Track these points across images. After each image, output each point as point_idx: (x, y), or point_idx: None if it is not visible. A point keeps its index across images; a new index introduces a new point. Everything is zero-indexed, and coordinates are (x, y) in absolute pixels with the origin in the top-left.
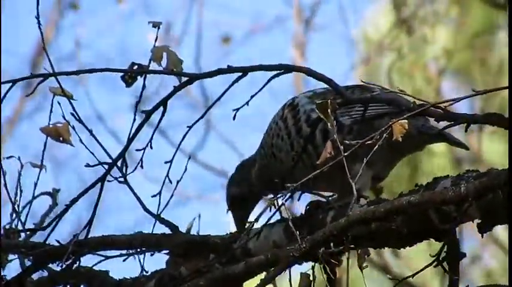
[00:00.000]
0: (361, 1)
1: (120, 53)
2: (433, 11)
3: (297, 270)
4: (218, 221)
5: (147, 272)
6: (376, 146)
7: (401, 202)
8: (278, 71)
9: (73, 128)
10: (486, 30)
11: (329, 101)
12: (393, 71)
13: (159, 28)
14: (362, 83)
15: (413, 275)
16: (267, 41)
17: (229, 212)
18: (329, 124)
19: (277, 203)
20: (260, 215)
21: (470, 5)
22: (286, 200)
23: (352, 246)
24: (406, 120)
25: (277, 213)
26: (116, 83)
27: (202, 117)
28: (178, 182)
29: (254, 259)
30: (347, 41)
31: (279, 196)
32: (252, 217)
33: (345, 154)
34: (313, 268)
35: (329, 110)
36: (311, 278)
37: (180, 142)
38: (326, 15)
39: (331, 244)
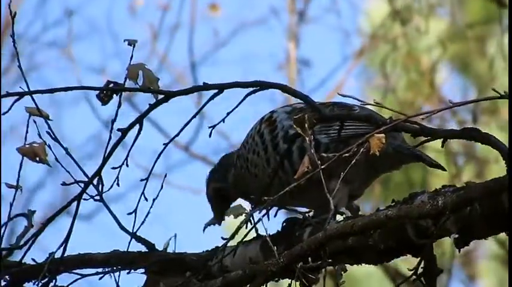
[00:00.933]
0: None
1: (108, 20)
2: (428, 2)
3: None
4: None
5: None
6: (354, 161)
7: (378, 216)
8: (254, 88)
9: (49, 146)
10: (482, 20)
11: (306, 116)
12: (387, 63)
13: (134, 46)
14: (339, 101)
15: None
16: (260, 33)
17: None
18: (306, 139)
19: (253, 220)
20: (236, 231)
21: None
22: (263, 216)
23: (330, 260)
24: (383, 135)
25: (253, 230)
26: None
27: (177, 135)
28: (154, 200)
29: (232, 274)
30: (341, 32)
31: (254, 211)
32: (227, 234)
33: (322, 167)
34: (289, 285)
35: (306, 125)
36: None
37: (156, 160)
38: (320, 7)
39: (309, 259)
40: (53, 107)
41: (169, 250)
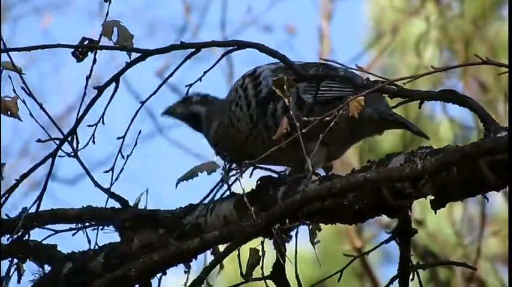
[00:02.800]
0: None
1: None
2: None
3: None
4: None
5: (98, 246)
6: (333, 124)
7: (357, 178)
8: (231, 47)
9: (23, 102)
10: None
11: (285, 77)
12: (421, 41)
13: (110, 2)
14: (327, 63)
15: (369, 252)
16: (293, 8)
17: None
18: (286, 101)
19: (228, 178)
20: (212, 191)
21: None
22: (241, 175)
23: (307, 222)
24: (362, 98)
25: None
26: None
27: (154, 93)
28: (128, 156)
29: (209, 235)
30: (375, 8)
31: (231, 169)
32: (203, 194)
33: (302, 131)
34: (262, 243)
35: (285, 87)
36: (260, 253)
37: (133, 118)
38: None
39: (287, 220)
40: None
41: (141, 205)
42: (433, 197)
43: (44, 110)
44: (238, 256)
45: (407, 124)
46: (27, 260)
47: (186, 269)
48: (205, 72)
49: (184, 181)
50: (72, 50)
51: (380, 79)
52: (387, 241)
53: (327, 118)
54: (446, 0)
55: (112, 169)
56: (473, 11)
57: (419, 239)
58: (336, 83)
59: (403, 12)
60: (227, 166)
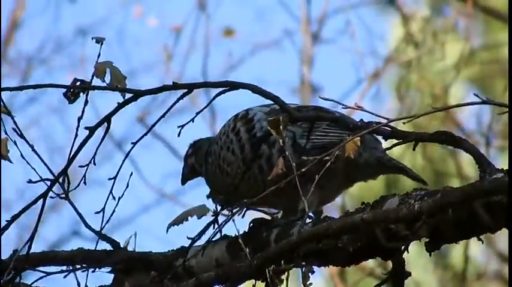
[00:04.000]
0: (369, 15)
1: (119, 39)
2: (442, 26)
3: None
4: None
5: None
6: (331, 166)
7: (354, 219)
8: (224, 88)
9: (15, 143)
10: (491, 43)
11: (281, 117)
12: (402, 86)
13: (102, 44)
14: (320, 106)
15: None
16: (274, 55)
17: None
18: (280, 141)
19: (218, 221)
20: (203, 232)
21: (476, 18)
22: (233, 215)
23: (303, 263)
24: (358, 138)
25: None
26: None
27: (146, 134)
28: (119, 198)
29: (205, 275)
30: (355, 55)
31: (222, 211)
32: (193, 234)
33: (298, 172)
34: (254, 286)
35: (281, 127)
36: None
37: (124, 159)
38: (334, 29)
39: (282, 262)
40: None
41: (130, 248)
42: (427, 240)
43: (35, 151)
44: None
45: (405, 169)
46: None
47: None
48: (197, 113)
49: (175, 226)
50: (65, 90)
51: (373, 121)
52: (381, 284)
53: (326, 158)
54: (427, 45)
55: (103, 210)
56: (454, 54)
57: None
58: (332, 129)
59: (383, 58)
60: (219, 208)
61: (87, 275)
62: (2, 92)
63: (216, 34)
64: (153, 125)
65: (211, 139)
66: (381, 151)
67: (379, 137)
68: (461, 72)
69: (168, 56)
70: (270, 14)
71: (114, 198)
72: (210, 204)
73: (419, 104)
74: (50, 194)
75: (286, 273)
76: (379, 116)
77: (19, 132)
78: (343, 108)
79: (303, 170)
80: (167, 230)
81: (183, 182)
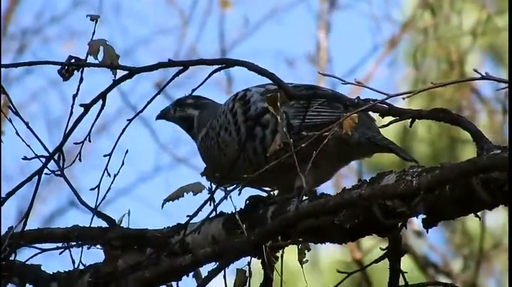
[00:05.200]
0: None
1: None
2: None
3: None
4: None
5: (83, 265)
6: (327, 142)
7: (351, 195)
8: (219, 65)
9: (10, 121)
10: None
11: (279, 95)
12: (418, 53)
13: (96, 21)
14: (314, 85)
15: (362, 269)
16: (290, 20)
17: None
18: (278, 118)
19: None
20: (200, 209)
21: None
22: (229, 193)
23: (300, 239)
24: (356, 115)
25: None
26: None
27: (142, 110)
28: (115, 175)
29: (201, 252)
30: (372, 20)
31: (218, 189)
32: (190, 211)
33: (295, 150)
34: (249, 263)
35: (278, 104)
36: (247, 274)
37: (119, 136)
38: None
39: (279, 238)
40: None
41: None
42: (425, 216)
43: (29, 128)
44: (224, 276)
45: (396, 150)
46: (11, 280)
47: None
48: (193, 90)
49: (171, 202)
50: (59, 68)
51: (370, 98)
52: (378, 260)
53: (325, 133)
54: (444, 12)
55: (98, 186)
56: (470, 22)
57: (419, 250)
58: (325, 108)
59: (399, 24)
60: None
61: (81, 251)
62: None
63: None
64: (148, 103)
65: (216, 108)
66: (375, 130)
67: (375, 115)
68: (477, 39)
69: (185, 22)
70: None
71: (109, 175)
72: (205, 181)
73: (436, 71)
74: (46, 171)
75: (281, 250)
76: (379, 92)
77: (14, 110)
78: (342, 84)
79: (303, 145)
80: (162, 206)
81: (162, 117)
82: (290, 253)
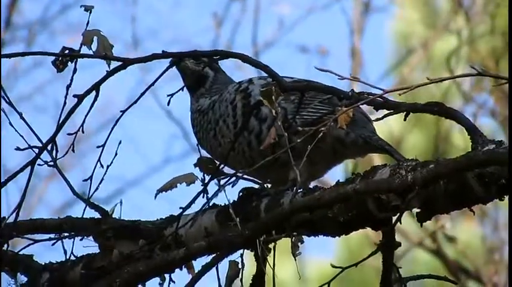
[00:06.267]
0: None
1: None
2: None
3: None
4: None
5: (75, 256)
6: (321, 139)
7: (346, 189)
8: (213, 57)
9: (3, 111)
10: None
11: (273, 88)
12: (452, 58)
13: (90, 12)
14: (308, 80)
15: (357, 264)
16: (324, 21)
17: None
18: (273, 111)
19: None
20: (193, 201)
21: None
22: (223, 187)
23: (295, 233)
24: (351, 109)
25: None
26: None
27: (136, 102)
28: (108, 167)
29: (195, 245)
30: (405, 23)
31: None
32: (183, 203)
33: (291, 145)
34: (242, 255)
35: (273, 97)
36: (240, 266)
37: (113, 126)
38: None
39: (273, 232)
40: None
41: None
42: (419, 210)
43: (23, 119)
44: (217, 268)
45: (390, 151)
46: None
47: (161, 282)
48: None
49: (164, 192)
50: (53, 59)
51: (365, 92)
52: (373, 253)
53: (322, 129)
54: (477, 16)
55: (90, 178)
56: (503, 26)
57: (451, 255)
58: (324, 105)
59: (433, 27)
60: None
61: (73, 242)
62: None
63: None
64: (143, 93)
65: (226, 82)
66: (370, 131)
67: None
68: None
69: (218, 23)
70: None
71: (102, 166)
72: (198, 172)
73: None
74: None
75: (273, 243)
76: (375, 87)
77: (7, 100)
78: (339, 79)
79: (299, 140)
80: (155, 196)
81: (177, 64)
82: (282, 266)
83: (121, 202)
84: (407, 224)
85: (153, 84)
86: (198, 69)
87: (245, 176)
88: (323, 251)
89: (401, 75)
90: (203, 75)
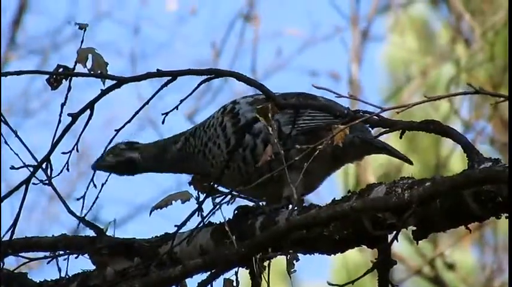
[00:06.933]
0: (417, 13)
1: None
2: (491, 25)
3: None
4: None
5: (68, 275)
6: (319, 153)
7: (343, 207)
8: (208, 76)
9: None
10: None
11: (270, 105)
12: (452, 84)
13: (85, 30)
14: (304, 93)
15: (353, 281)
16: (324, 51)
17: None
18: (269, 129)
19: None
20: (188, 219)
21: None
22: (219, 207)
23: (291, 251)
24: (346, 127)
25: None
26: None
27: (129, 121)
28: (103, 185)
29: (192, 263)
30: (403, 52)
31: (206, 198)
32: (178, 221)
33: (289, 163)
34: (236, 273)
35: (270, 115)
36: (235, 284)
37: (107, 145)
38: (382, 26)
39: (269, 249)
40: None
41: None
42: (415, 228)
43: (18, 137)
44: (211, 286)
45: (389, 149)
46: None
47: None
48: (181, 101)
49: (158, 209)
50: (47, 77)
51: (360, 109)
52: (368, 271)
53: (319, 147)
54: (476, 44)
55: (83, 197)
56: (502, 54)
57: (450, 282)
58: (318, 113)
59: (432, 55)
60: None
61: (67, 261)
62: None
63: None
64: (136, 113)
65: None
66: (366, 131)
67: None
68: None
69: (216, 54)
70: (318, 13)
71: (95, 186)
72: (192, 190)
73: (469, 102)
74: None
75: (268, 260)
76: (374, 105)
77: (3, 119)
78: (336, 97)
79: (296, 158)
80: (150, 214)
81: (96, 168)
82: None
83: (114, 221)
84: (405, 251)
85: (147, 103)
86: (114, 160)
87: (240, 194)
88: (320, 274)
89: (399, 102)
90: (127, 160)
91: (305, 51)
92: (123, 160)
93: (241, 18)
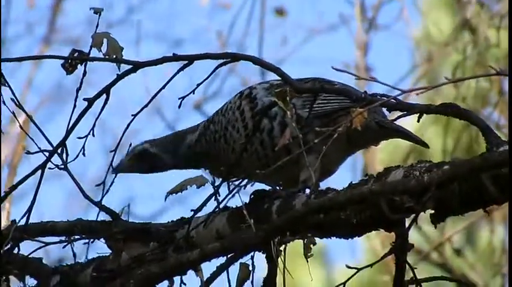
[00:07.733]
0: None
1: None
2: (497, 12)
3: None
4: None
5: (86, 259)
6: (336, 136)
7: (362, 191)
8: (225, 60)
9: (13, 113)
10: None
11: (288, 89)
12: (457, 72)
13: (100, 14)
14: (320, 77)
15: (371, 265)
16: (329, 41)
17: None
18: (288, 113)
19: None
20: (204, 204)
21: None
22: (236, 191)
23: (309, 235)
24: (365, 109)
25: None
26: None
27: (146, 105)
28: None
29: (210, 246)
30: (409, 40)
31: (223, 183)
32: (195, 206)
33: (306, 147)
34: (252, 258)
35: (288, 98)
36: (250, 268)
37: (124, 131)
38: (388, 15)
39: (287, 233)
40: None
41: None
42: (433, 211)
43: (33, 121)
44: (227, 271)
45: (406, 132)
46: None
47: (170, 285)
48: (198, 85)
49: (174, 194)
50: (62, 62)
51: (378, 93)
52: (387, 254)
53: (339, 129)
54: (482, 31)
55: (103, 182)
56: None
57: (457, 269)
58: (333, 96)
59: (438, 43)
60: (217, 180)
61: (88, 245)
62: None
63: (269, 20)
64: (153, 97)
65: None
66: (382, 115)
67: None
68: None
69: (223, 43)
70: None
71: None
72: (208, 175)
73: (476, 89)
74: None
75: (284, 245)
76: (394, 87)
77: (17, 103)
78: (356, 79)
79: (316, 141)
80: (165, 199)
81: (117, 171)
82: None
83: (129, 205)
84: (413, 237)
85: (163, 87)
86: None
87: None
88: (352, 257)
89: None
90: (142, 153)
91: (310, 40)
92: (137, 153)
93: (272, 11)
